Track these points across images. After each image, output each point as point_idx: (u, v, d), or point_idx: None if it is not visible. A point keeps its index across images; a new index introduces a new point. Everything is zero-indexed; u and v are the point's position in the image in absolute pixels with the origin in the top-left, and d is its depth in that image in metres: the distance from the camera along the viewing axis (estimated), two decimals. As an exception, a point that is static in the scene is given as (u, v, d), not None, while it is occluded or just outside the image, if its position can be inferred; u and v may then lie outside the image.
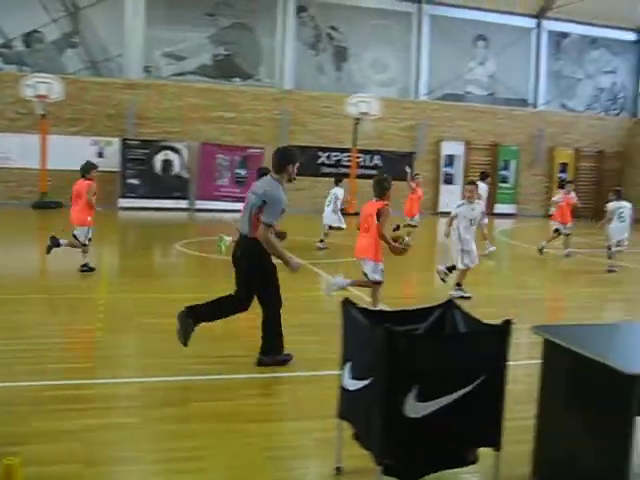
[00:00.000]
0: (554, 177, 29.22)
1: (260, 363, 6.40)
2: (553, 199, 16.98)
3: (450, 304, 4.08)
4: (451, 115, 27.79)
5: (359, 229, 8.68)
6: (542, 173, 29.35)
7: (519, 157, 28.69)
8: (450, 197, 27.45)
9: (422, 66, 27.70)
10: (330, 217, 16.23)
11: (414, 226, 17.41)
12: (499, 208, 28.06)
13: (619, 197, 14.73)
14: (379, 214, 8.35)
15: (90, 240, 11.20)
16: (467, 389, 3.47)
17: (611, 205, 14.63)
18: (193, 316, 6.38)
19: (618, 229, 14.34)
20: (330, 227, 16.11)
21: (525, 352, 6.34)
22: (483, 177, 16.59)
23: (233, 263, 6.57)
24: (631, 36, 31.00)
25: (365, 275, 8.62)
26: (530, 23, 29.31)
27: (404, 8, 27.39)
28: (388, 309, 7.88)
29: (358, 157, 25.84)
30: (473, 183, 11.06)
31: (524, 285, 12.35)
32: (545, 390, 4.06)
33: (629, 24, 30.43)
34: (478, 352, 3.55)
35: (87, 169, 11.22)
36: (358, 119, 24.74)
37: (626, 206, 14.56)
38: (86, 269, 11.01)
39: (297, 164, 6.77)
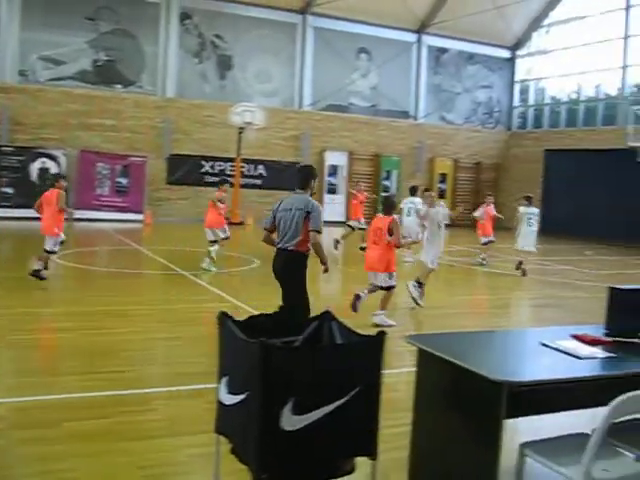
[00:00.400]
0: (434, 187, 30.04)
1: None
2: (475, 215, 17.31)
3: (327, 315, 4.09)
4: (334, 126, 28.16)
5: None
6: (423, 183, 30.05)
7: (400, 167, 29.38)
8: (333, 207, 27.83)
9: (306, 77, 27.95)
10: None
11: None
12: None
13: (530, 203, 15.53)
14: (390, 228, 9.18)
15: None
16: (343, 400, 3.48)
17: (521, 210, 15.51)
18: None
19: (526, 234, 15.25)
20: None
21: (407, 360, 6.48)
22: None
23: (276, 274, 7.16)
24: (506, 53, 32.39)
25: (373, 285, 9.43)
26: (411, 38, 30.14)
27: (289, 19, 27.59)
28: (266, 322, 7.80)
29: (242, 166, 25.75)
30: (428, 190, 12.19)
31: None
32: (419, 397, 4.14)
33: (504, 42, 31.79)
34: (354, 363, 3.57)
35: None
36: (242, 128, 24.65)
37: (535, 212, 15.42)
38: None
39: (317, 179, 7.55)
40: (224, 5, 26.18)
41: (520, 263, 15.17)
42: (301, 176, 7.48)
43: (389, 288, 9.35)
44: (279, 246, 7.19)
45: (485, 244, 16.86)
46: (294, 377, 3.41)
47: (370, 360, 3.63)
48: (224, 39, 26.59)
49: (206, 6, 26.01)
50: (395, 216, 9.40)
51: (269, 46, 27.37)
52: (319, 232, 7.05)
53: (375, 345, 3.60)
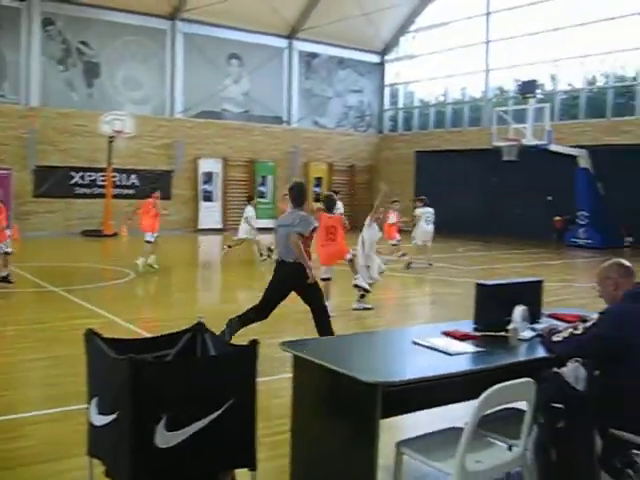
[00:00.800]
0: (310, 191, 30.30)
1: None
2: (389, 221, 17.63)
3: (199, 327, 4.02)
4: (208, 132, 27.90)
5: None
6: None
7: (275, 173, 29.45)
8: (209, 214, 27.59)
9: (177, 83, 27.55)
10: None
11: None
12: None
13: (425, 204, 17.62)
14: (343, 224, 10.54)
15: None
16: (218, 413, 3.43)
17: (418, 211, 17.50)
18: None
19: (425, 231, 17.23)
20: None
21: (289, 366, 6.46)
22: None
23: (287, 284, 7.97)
24: (375, 58, 33.11)
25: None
26: (282, 43, 30.29)
27: (158, 25, 27.10)
28: (136, 337, 7.66)
29: (114, 176, 25.06)
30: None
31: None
32: (297, 404, 4.13)
33: (373, 47, 32.50)
34: (227, 374, 3.52)
35: None
36: (112, 137, 23.99)
37: (430, 211, 17.38)
38: None
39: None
40: (89, 10, 25.39)
41: (409, 263, 16.69)
42: (292, 195, 8.03)
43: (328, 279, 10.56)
44: (279, 259, 7.93)
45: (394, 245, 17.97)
46: (166, 393, 3.32)
47: (244, 370, 3.59)
48: (90, 46, 25.80)
49: (70, 12, 25.15)
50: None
51: (138, 53, 26.80)
52: (301, 234, 7.57)
53: (248, 355, 3.56)
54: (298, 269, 7.65)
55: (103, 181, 24.96)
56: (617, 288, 4.20)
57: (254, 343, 3.55)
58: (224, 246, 18.35)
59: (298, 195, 7.95)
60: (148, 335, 7.49)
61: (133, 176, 26.14)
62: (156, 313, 10.17)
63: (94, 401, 3.61)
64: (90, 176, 25.33)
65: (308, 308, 7.86)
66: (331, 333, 7.72)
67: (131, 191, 26.10)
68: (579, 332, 4.08)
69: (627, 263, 4.30)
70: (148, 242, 15.49)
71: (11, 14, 24.17)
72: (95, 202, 24.99)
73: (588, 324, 4.07)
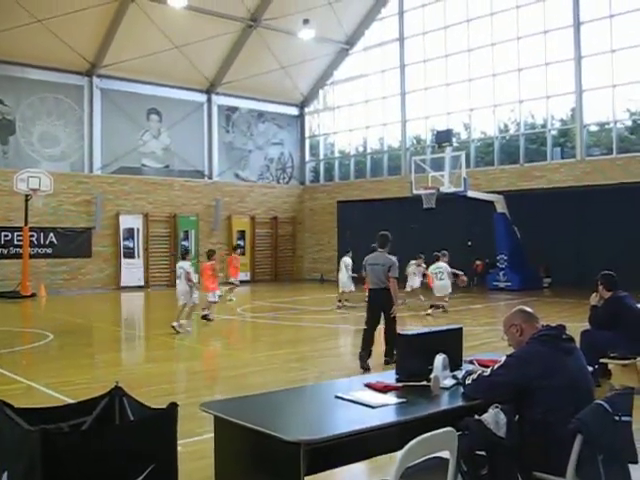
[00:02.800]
0: (233, 244, 30.18)
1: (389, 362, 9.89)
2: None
3: (117, 391, 3.92)
4: (128, 188, 27.57)
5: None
6: (222, 241, 30.20)
7: (198, 227, 29.27)
8: (131, 271, 27.09)
9: (95, 139, 27.21)
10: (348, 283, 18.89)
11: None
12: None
13: (436, 259, 17.97)
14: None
15: None
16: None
17: (431, 267, 17.98)
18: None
19: (441, 286, 17.65)
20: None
21: (211, 425, 6.33)
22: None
23: (377, 305, 10.56)
24: (294, 111, 33.55)
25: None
26: (201, 98, 30.39)
27: (75, 81, 26.82)
28: (51, 405, 7.41)
29: (31, 235, 24.40)
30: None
31: (211, 355, 12.47)
32: (220, 465, 4.05)
33: (292, 100, 32.94)
34: (147, 440, 3.42)
35: None
36: (29, 195, 23.42)
37: (442, 266, 17.74)
38: None
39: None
40: (4, 67, 24.97)
41: (438, 307, 17.74)
42: (381, 240, 10.87)
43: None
44: (375, 287, 10.60)
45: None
46: (84, 463, 3.20)
47: (163, 435, 3.51)
48: (4, 103, 25.32)
49: (-17, 69, 24.73)
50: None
51: (55, 109, 26.42)
52: (397, 278, 10.56)
53: (167, 418, 3.49)
54: (387, 295, 10.43)
55: (20, 240, 24.25)
56: (522, 334, 4.40)
57: (173, 406, 3.48)
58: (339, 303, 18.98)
59: (385, 241, 10.82)
60: (68, 400, 7.25)
61: (51, 234, 25.50)
62: (77, 376, 9.84)
63: (4, 476, 3.45)
64: (6, 236, 24.59)
65: (232, 366, 7.76)
66: (392, 351, 10.14)
67: (49, 250, 25.46)
68: (487, 374, 4.22)
69: (529, 309, 4.50)
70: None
71: None
72: (12, 262, 24.24)
73: (496, 366, 4.20)
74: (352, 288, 19.11)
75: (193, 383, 9.36)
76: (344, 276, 19.23)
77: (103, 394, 3.92)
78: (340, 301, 18.92)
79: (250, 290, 26.95)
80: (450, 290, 17.93)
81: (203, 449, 5.68)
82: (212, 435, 4.08)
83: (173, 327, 14.29)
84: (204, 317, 15.99)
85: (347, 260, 19.57)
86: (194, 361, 11.77)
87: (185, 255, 15.77)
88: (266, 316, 17.41)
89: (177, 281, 15.34)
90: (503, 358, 4.28)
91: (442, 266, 17.83)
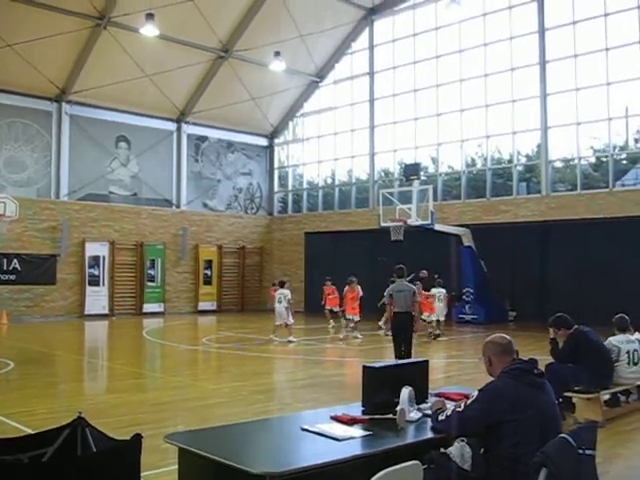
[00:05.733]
0: (200, 273, 30.08)
1: None
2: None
3: (80, 422, 3.85)
4: (94, 215, 27.35)
5: None
6: (188, 270, 30.03)
7: (164, 255, 29.08)
8: (96, 299, 26.78)
9: (63, 165, 27.00)
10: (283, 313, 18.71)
11: None
12: (147, 307, 28.02)
13: (439, 285, 20.27)
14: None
15: None
16: (99, 513, 3.26)
17: (433, 290, 19.92)
18: None
19: (439, 308, 19.81)
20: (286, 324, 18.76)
21: (174, 457, 6.23)
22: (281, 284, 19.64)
23: (402, 327, 12.64)
24: (263, 141, 33.68)
25: None
26: (171, 126, 30.39)
27: (43, 107, 26.67)
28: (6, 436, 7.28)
29: (-6, 262, 24.04)
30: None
31: (176, 385, 12.33)
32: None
33: (261, 130, 33.08)
34: (109, 471, 3.37)
35: None
36: (-7, 221, 23.12)
37: (441, 291, 20.11)
38: None
39: None
40: (-29, 92, 24.82)
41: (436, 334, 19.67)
42: (400, 272, 12.99)
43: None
44: (401, 311, 12.57)
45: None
46: (43, 495, 3.14)
47: (127, 465, 3.46)
48: (-29, 127, 25.10)
49: (-51, 93, 24.49)
50: None
51: (22, 134, 26.21)
52: (416, 302, 12.97)
53: (131, 449, 3.44)
54: (410, 317, 12.60)
55: (-18, 266, 23.86)
56: (492, 365, 4.40)
57: (137, 437, 3.44)
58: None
59: (403, 272, 13.06)
60: (29, 431, 7.11)
61: (15, 260, 25.12)
62: (38, 405, 9.66)
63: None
64: (-31, 262, 24.21)
65: (196, 397, 7.68)
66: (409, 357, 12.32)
67: (12, 276, 25.07)
68: (460, 409, 4.22)
69: (504, 339, 4.48)
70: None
71: None
72: (-27, 288, 23.85)
73: (468, 401, 4.21)
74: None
75: (157, 414, 9.23)
76: (281, 307, 18.76)
77: (65, 424, 3.85)
78: (275, 332, 18.57)
79: (216, 320, 26.78)
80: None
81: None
82: (176, 467, 4.03)
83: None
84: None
85: (285, 292, 19.15)
86: (158, 392, 11.62)
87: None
88: (232, 347, 17.28)
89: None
90: (475, 393, 4.29)
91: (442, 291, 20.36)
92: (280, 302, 18.65)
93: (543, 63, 24.06)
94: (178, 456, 3.95)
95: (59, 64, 25.92)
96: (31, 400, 10.09)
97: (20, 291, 25.13)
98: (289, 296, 18.78)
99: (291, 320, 18.63)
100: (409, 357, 12.24)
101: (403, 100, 28.56)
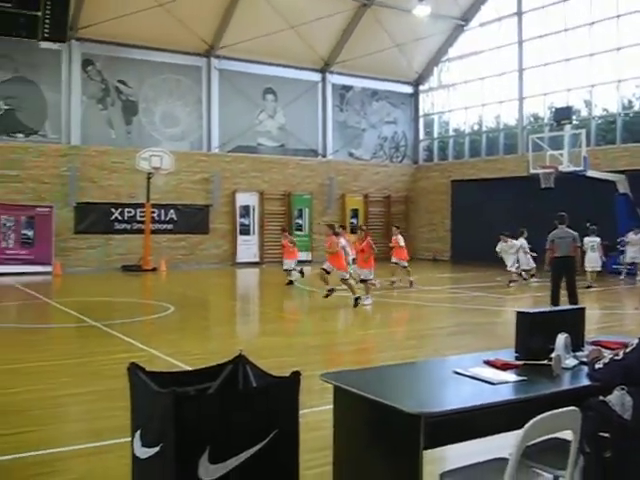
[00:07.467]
0: (346, 222, 30.36)
1: None
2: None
3: (241, 359, 4.04)
4: (244, 167, 28.19)
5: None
6: (335, 220, 30.36)
7: (312, 205, 29.59)
8: (247, 247, 27.74)
9: (213, 119, 27.94)
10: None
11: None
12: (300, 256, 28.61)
13: (592, 233, 19.99)
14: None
15: None
16: (261, 445, 3.43)
17: (586, 239, 19.30)
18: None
19: (590, 258, 19.67)
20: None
21: (328, 397, 6.42)
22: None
23: (564, 271, 13.59)
24: (408, 89, 33.25)
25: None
26: (315, 77, 30.59)
27: (193, 62, 27.60)
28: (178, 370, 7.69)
29: (152, 212, 25.38)
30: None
31: (325, 330, 12.63)
32: (338, 435, 4.11)
33: (406, 78, 32.66)
34: (270, 406, 3.52)
35: None
36: (151, 173, 24.36)
37: (595, 240, 19.93)
38: None
39: None
40: (126, 50, 25.99)
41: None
42: (562, 218, 13.72)
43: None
44: (562, 255, 13.43)
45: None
46: (209, 426, 3.33)
47: (286, 402, 3.60)
48: (128, 84, 26.35)
49: (108, 52, 25.75)
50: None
51: (174, 90, 27.28)
52: (580, 247, 13.76)
53: (290, 386, 3.57)
54: (572, 261, 13.50)
55: (142, 217, 25.29)
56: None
57: (296, 374, 3.56)
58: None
59: (565, 219, 13.73)
60: (188, 368, 7.54)
61: (171, 211, 26.47)
62: (196, 346, 10.21)
63: (137, 434, 3.63)
64: (129, 212, 25.71)
65: (347, 342, 7.83)
66: (576, 303, 12.92)
67: (170, 226, 26.43)
68: (619, 358, 4.05)
69: None
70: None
71: (52, 56, 24.79)
72: (134, 237, 25.34)
73: (628, 349, 4.03)
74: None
75: (309, 357, 9.51)
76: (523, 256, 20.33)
77: (227, 361, 4.05)
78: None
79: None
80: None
81: (319, 420, 5.79)
82: (325, 407, 4.14)
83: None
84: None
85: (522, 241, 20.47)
86: (308, 336, 11.96)
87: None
88: (379, 294, 17.43)
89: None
90: (635, 341, 4.11)
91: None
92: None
93: None
94: (333, 395, 4.06)
95: (207, 20, 26.63)
96: (189, 341, 10.67)
97: (177, 240, 26.44)
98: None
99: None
100: (575, 299, 13.41)
101: (553, 40, 27.24)
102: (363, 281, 15.90)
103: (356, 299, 14.77)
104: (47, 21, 22.49)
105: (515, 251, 19.82)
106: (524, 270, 20.50)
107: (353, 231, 23.18)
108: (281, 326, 12.81)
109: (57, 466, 5.46)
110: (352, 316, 14.88)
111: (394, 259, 19.86)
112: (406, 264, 19.55)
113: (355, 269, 16.43)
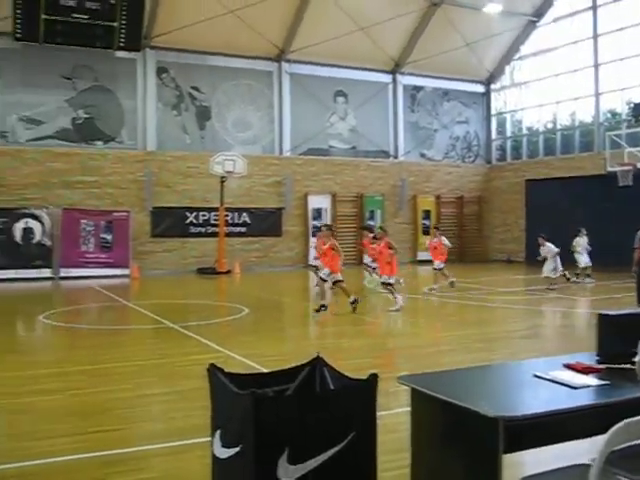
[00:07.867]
0: (418, 224, 30.22)
1: None
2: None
3: (318, 361, 4.07)
4: (316, 169, 28.33)
5: None
6: (407, 221, 30.29)
7: (383, 206, 29.52)
8: (320, 250, 27.79)
9: (285, 123, 28.18)
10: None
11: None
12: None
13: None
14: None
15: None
16: (339, 446, 3.45)
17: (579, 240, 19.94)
18: None
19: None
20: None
21: (403, 400, 6.41)
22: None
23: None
24: (480, 88, 32.85)
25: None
26: (386, 78, 30.53)
27: (264, 67, 27.92)
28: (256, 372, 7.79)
29: (226, 215, 25.76)
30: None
31: (400, 333, 12.59)
32: (416, 438, 4.10)
33: (477, 77, 32.28)
34: (347, 408, 3.54)
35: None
36: (224, 178, 24.75)
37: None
38: None
39: None
40: (199, 57, 26.50)
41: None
42: None
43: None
44: None
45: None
46: (288, 427, 3.37)
47: (364, 404, 3.61)
48: (201, 90, 26.84)
49: (181, 59, 26.31)
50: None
51: (246, 95, 27.64)
52: None
53: (367, 388, 3.59)
54: None
55: (216, 220, 25.69)
56: None
57: (374, 377, 3.57)
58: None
59: None
60: (264, 370, 7.63)
61: (245, 214, 26.82)
62: (270, 348, 10.32)
63: (217, 433, 3.70)
64: (204, 215, 26.18)
65: (420, 344, 7.79)
66: None
67: (243, 229, 26.79)
68: None
69: None
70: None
71: (127, 65, 25.47)
72: (209, 241, 25.78)
73: None
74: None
75: (383, 359, 9.51)
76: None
77: (304, 363, 4.09)
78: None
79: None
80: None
81: (396, 422, 5.78)
82: (402, 410, 4.14)
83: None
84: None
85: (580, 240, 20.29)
86: (382, 338, 11.94)
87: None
88: (452, 296, 17.27)
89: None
90: None
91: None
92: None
93: None
94: (410, 397, 4.05)
95: (277, 25, 26.89)
96: (264, 342, 10.79)
97: (250, 243, 26.77)
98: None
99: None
100: None
101: (630, 34, 26.46)
102: (385, 285, 15.01)
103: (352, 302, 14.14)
104: (123, 31, 23.25)
105: (553, 255, 18.76)
106: (582, 269, 20.32)
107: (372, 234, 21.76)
108: (356, 328, 12.82)
109: (137, 464, 5.57)
110: (427, 318, 14.79)
111: (436, 263, 18.94)
112: (442, 266, 18.77)
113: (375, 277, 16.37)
